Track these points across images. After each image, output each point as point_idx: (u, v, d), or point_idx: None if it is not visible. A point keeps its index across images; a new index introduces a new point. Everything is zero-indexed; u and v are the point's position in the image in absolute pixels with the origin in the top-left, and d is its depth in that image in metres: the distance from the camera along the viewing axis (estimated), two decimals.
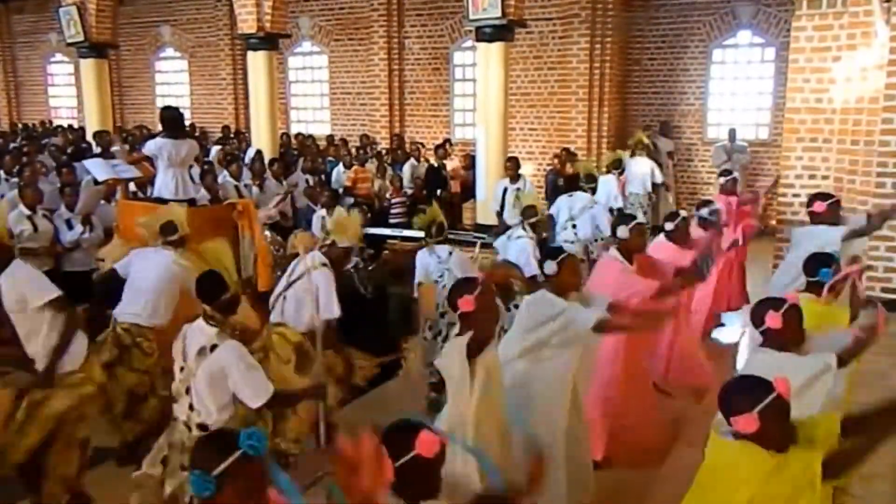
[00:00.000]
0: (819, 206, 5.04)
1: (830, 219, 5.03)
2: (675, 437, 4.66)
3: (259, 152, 9.68)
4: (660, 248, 5.30)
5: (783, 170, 7.38)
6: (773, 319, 2.97)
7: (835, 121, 6.84)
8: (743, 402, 2.24)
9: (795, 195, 7.23)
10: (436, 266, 5.35)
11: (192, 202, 6.29)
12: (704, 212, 6.01)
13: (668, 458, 4.43)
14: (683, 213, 5.70)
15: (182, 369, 3.19)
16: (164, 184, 6.22)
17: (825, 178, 7.01)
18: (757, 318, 3.05)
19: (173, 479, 3.14)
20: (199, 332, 3.17)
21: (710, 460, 2.38)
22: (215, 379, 3.08)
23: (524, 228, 5.94)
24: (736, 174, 7.63)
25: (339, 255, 4.63)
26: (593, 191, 7.73)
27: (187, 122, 14.45)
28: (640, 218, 5.07)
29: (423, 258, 5.46)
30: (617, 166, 8.87)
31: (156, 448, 3.34)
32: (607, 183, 8.42)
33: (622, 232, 4.43)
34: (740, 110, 11.85)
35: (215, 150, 11.49)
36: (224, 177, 8.37)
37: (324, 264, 4.49)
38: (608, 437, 4.18)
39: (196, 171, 8.00)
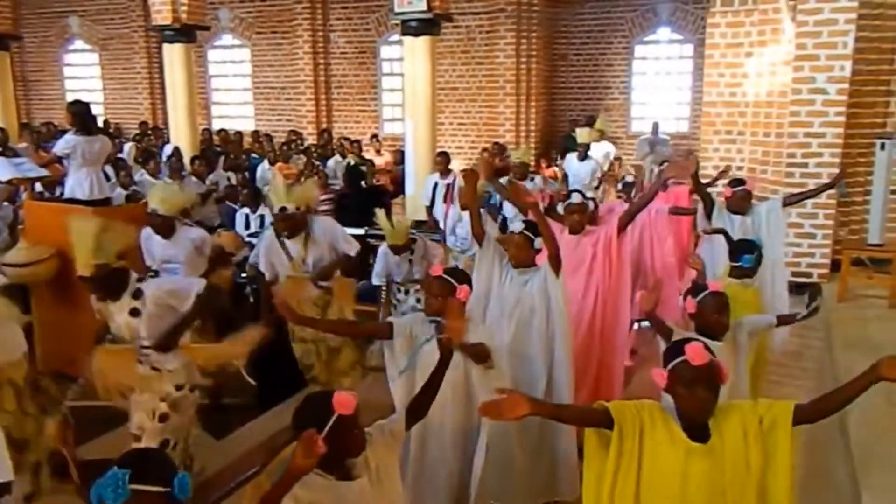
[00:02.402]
0: (727, 192, 4.94)
1: (737, 206, 4.89)
2: None
3: (177, 149, 9.35)
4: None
5: (701, 162, 7.63)
6: (690, 304, 3.11)
7: (748, 114, 7.14)
8: (665, 356, 2.25)
9: (713, 186, 7.50)
10: None
11: (106, 202, 6.01)
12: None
13: None
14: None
15: None
16: (78, 183, 5.90)
17: (740, 168, 7.30)
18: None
19: None
20: None
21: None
22: None
23: None
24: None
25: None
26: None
27: (100, 119, 13.92)
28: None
29: None
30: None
31: None
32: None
33: (560, 208, 4.49)
34: (662, 104, 12.22)
35: (128, 146, 11.02)
36: (141, 175, 8.03)
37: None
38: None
39: (110, 169, 7.66)
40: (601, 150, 10.13)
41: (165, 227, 4.47)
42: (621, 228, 4.24)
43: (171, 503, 1.78)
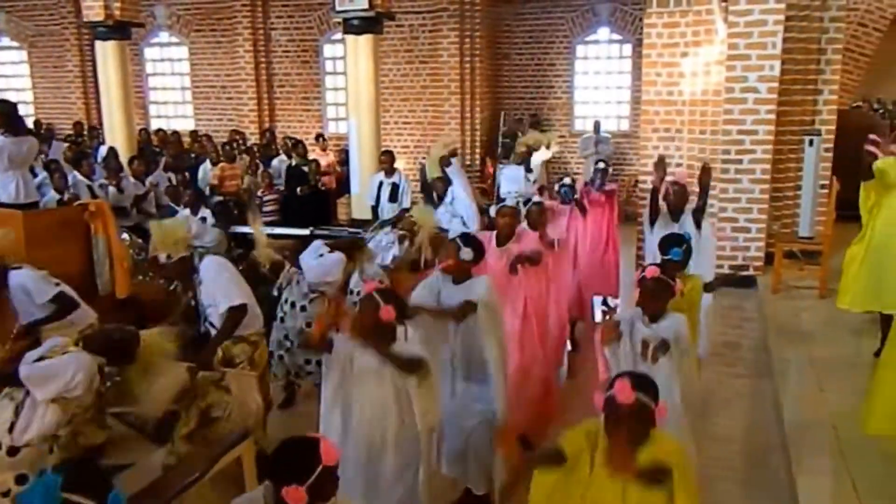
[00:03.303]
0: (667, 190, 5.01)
1: (678, 203, 4.98)
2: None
3: (112, 149, 9.07)
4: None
5: (642, 159, 7.81)
6: (636, 276, 3.37)
7: (685, 112, 7.32)
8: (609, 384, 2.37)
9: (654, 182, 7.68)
10: None
11: (34, 206, 5.78)
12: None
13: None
14: (537, 198, 5.85)
15: None
16: (3, 186, 5.65)
17: (678, 165, 7.48)
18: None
19: None
20: None
21: None
22: None
23: None
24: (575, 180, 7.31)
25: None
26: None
27: (31, 119, 13.38)
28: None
29: None
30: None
31: None
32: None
33: (493, 212, 4.53)
34: (603, 103, 12.45)
35: (56, 146, 10.61)
36: (74, 176, 7.75)
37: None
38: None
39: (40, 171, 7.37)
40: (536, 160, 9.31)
41: None
42: (511, 269, 4.27)
43: None
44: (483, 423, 3.54)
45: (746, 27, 6.37)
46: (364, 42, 8.79)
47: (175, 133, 12.44)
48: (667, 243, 4.07)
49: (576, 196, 6.51)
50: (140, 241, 6.81)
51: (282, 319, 5.04)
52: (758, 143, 6.55)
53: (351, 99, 9.15)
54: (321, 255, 4.95)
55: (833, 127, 6.92)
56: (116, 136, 9.78)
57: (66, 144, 10.93)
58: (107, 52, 9.69)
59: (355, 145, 9.14)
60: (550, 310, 4.68)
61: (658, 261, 4.23)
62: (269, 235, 7.79)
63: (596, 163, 7.77)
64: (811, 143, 6.44)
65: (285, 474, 2.01)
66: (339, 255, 4.96)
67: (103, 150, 9.48)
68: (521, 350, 4.21)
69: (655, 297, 3.24)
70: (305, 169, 9.57)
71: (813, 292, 6.16)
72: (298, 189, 9.36)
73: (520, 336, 4.22)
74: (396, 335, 2.95)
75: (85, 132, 12.75)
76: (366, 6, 8.53)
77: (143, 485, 2.97)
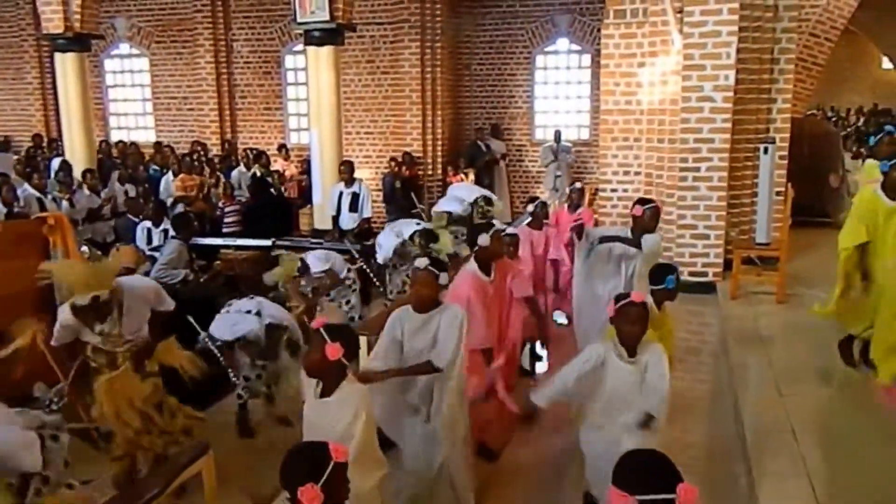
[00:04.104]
0: (637, 210, 4.68)
1: (648, 225, 4.61)
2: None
3: (65, 162, 8.89)
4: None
5: (601, 167, 7.92)
6: (610, 308, 3.19)
7: (643, 121, 7.46)
8: None
9: (613, 190, 7.81)
10: None
11: None
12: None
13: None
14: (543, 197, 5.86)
15: None
16: None
17: (637, 173, 7.61)
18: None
19: None
20: None
21: None
22: None
23: None
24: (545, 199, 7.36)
25: None
26: None
27: None
28: None
29: None
30: None
31: None
32: None
33: (483, 240, 4.24)
34: (563, 112, 12.58)
35: (6, 158, 10.37)
36: (24, 189, 7.56)
37: None
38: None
39: None
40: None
41: None
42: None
43: None
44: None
45: (701, 38, 6.50)
46: (325, 53, 8.78)
47: (133, 144, 12.24)
48: (660, 272, 3.94)
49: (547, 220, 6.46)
50: (99, 252, 6.68)
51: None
52: (714, 151, 6.68)
53: (312, 109, 9.12)
54: None
55: (787, 135, 7.09)
56: (76, 148, 9.62)
57: (16, 157, 10.66)
58: (66, 64, 9.55)
59: (317, 155, 9.11)
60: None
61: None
62: (229, 247, 7.77)
63: (571, 183, 7.76)
64: (766, 150, 6.58)
65: (298, 476, 2.01)
66: None
67: (56, 163, 9.28)
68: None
69: (641, 322, 3.10)
70: (270, 180, 9.51)
71: (770, 297, 6.28)
72: (271, 191, 9.29)
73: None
74: (346, 373, 2.78)
75: (44, 144, 12.47)
76: (327, 18, 8.53)
77: (103, 500, 2.92)
